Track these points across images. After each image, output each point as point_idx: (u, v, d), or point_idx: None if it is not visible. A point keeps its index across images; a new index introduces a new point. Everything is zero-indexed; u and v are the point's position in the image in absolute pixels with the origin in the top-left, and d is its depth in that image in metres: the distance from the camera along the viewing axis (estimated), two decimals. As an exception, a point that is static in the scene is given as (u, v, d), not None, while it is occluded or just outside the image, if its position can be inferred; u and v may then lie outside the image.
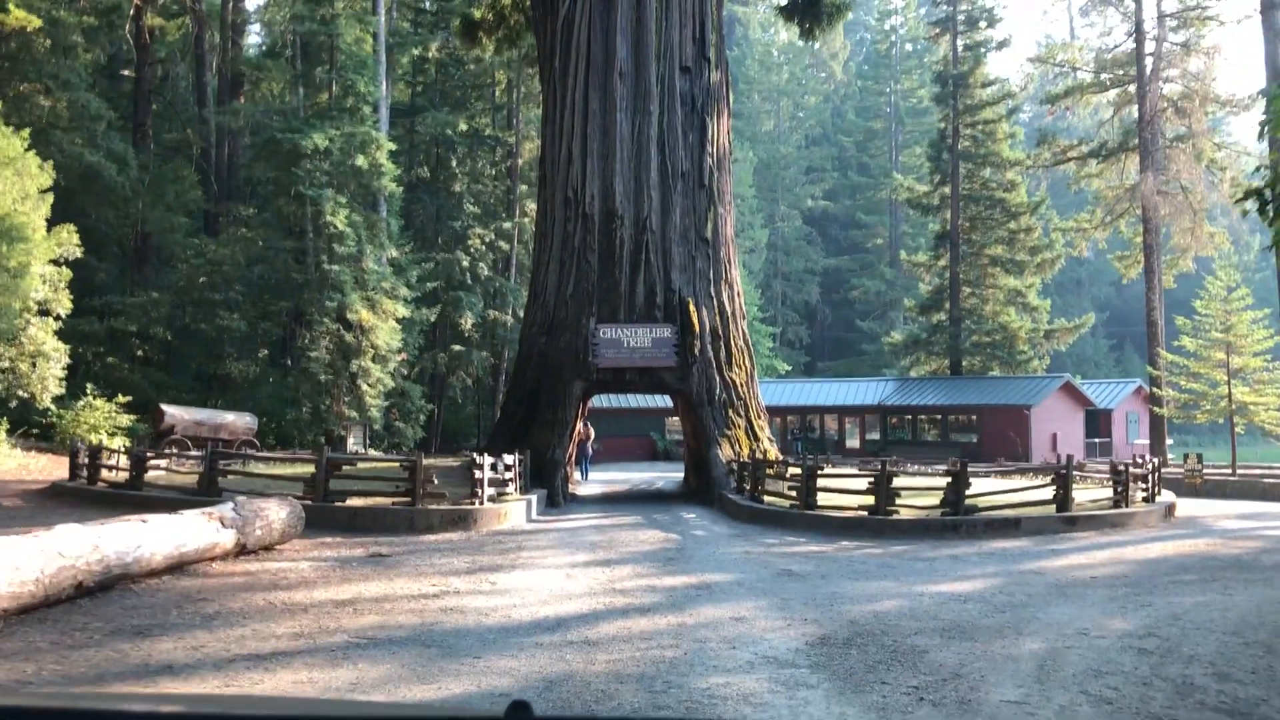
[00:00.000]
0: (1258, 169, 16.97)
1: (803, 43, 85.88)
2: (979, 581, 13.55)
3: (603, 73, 24.08)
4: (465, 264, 51.69)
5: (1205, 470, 36.40)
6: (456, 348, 51.92)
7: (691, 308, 24.12)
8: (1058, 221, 53.37)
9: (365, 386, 41.68)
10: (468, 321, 51.34)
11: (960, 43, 51.61)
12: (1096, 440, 48.96)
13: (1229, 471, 37.31)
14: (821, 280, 74.57)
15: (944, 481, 20.29)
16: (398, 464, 18.61)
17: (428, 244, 53.36)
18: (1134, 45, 46.76)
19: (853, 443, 50.04)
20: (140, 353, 42.78)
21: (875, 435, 49.81)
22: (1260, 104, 46.11)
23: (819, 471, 18.86)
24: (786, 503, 19.56)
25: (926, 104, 74.19)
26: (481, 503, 18.44)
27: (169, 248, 46.29)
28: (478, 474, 18.39)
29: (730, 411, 24.06)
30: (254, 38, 67.14)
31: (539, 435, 23.31)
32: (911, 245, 67.27)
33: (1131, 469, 21.14)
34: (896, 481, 18.30)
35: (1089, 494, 22.47)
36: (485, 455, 19.23)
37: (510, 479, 20.34)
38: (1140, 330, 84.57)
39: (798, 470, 19.38)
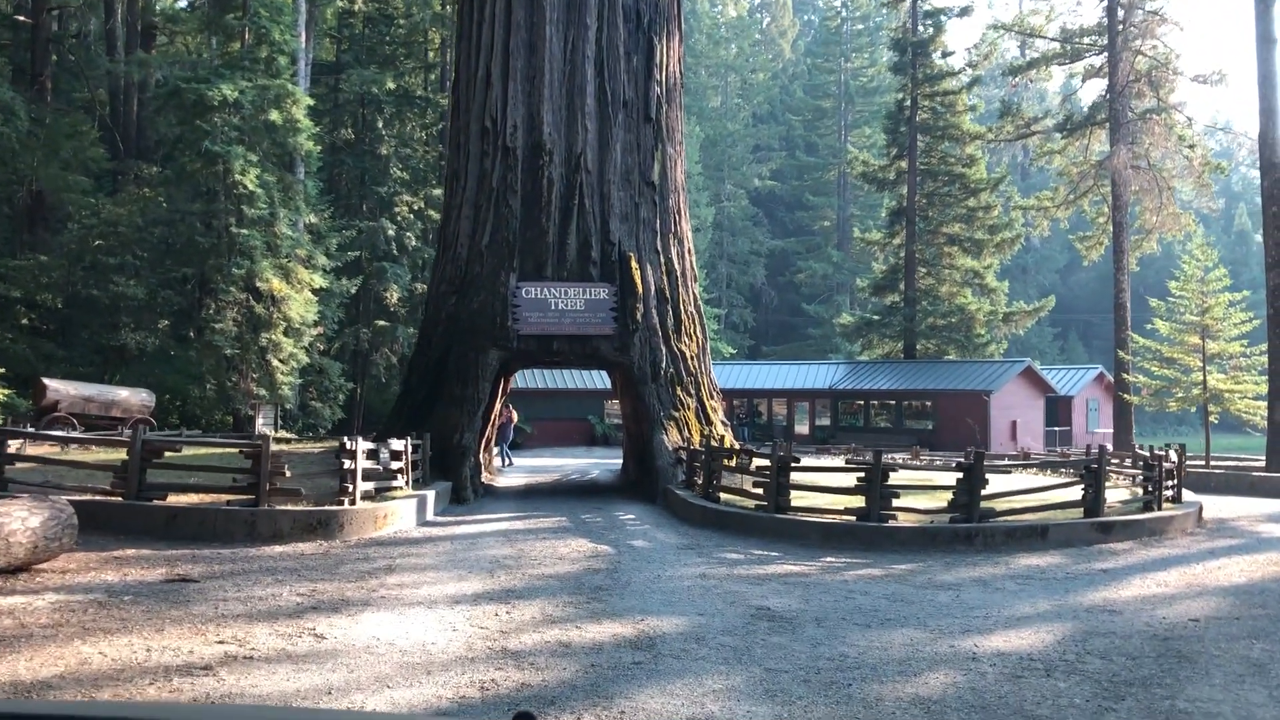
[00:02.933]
0: None
1: (750, 17, 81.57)
2: (1042, 630, 9.05)
3: (530, -24, 19.27)
4: (391, 233, 46.53)
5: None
6: (381, 323, 46.71)
7: (634, 264, 19.38)
8: (1018, 199, 49.38)
9: (276, 362, 36.67)
10: (393, 295, 46.23)
11: (920, 9, 47.33)
12: (1057, 429, 45.13)
13: (1203, 464, 33.33)
14: (767, 262, 70.21)
15: (938, 476, 15.82)
16: (238, 449, 13.63)
17: (351, 210, 48.13)
18: (1104, 13, 42.73)
19: (802, 428, 45.68)
20: (27, 321, 37.40)
21: (825, 421, 45.49)
22: (1227, 80, 42.45)
23: (793, 464, 14.22)
24: (750, 503, 14.92)
25: (877, 83, 70.15)
26: (353, 501, 13.56)
27: (65, 208, 40.79)
28: (348, 464, 13.49)
29: (678, 389, 19.38)
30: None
31: (444, 416, 18.42)
32: (861, 227, 63.20)
33: (1163, 463, 16.80)
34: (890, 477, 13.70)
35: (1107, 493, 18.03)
36: (363, 440, 14.31)
37: (399, 470, 15.45)
38: (1085, 319, 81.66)
39: (765, 462, 14.73)
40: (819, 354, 59.21)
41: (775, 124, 74.41)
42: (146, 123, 49.59)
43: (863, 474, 13.55)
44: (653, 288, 19.60)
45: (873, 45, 72.01)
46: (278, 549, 12.28)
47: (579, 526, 15.16)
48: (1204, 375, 36.23)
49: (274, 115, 37.04)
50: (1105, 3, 42.19)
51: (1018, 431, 42.44)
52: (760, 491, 14.50)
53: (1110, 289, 79.13)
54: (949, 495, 14.47)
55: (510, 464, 26.76)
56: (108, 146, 45.85)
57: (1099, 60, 44.14)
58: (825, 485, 14.81)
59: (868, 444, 37.46)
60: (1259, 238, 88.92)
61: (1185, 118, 42.79)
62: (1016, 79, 46.85)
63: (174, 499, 13.16)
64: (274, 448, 13.08)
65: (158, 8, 52.92)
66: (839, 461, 18.01)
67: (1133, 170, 41.19)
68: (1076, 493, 15.16)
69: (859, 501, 13.82)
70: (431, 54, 52.75)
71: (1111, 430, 45.59)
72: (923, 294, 47.15)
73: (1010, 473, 14.88)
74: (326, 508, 13.25)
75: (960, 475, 13.72)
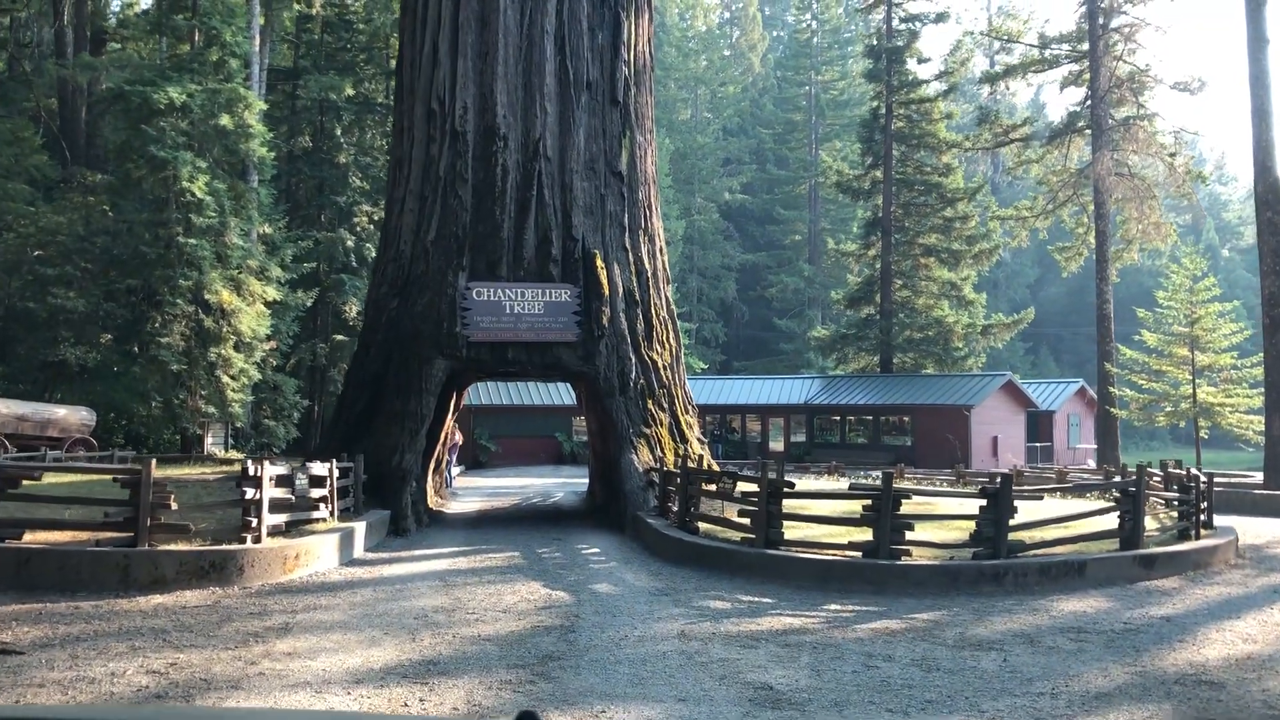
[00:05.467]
0: None
1: (720, 30, 79.65)
2: (1137, 717, 6.69)
3: (482, -59, 16.88)
4: (350, 244, 43.92)
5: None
6: (339, 337, 43.97)
7: (599, 263, 16.92)
8: (996, 209, 47.42)
9: (226, 378, 34.07)
10: (353, 308, 43.51)
11: (895, 15, 45.35)
12: (1038, 444, 43.03)
13: (1196, 481, 31.05)
14: (738, 276, 67.96)
15: (941, 502, 13.46)
16: (111, 476, 11.03)
17: (308, 221, 45.51)
18: (1083, 19, 40.94)
19: (776, 445, 43.33)
20: (-42, 336, 34.71)
21: (800, 437, 43.16)
22: (1207, 88, 40.79)
23: (787, 490, 11.79)
24: (735, 534, 12.46)
25: (847, 95, 68.33)
26: (257, 539, 11.00)
27: (4, 217, 37.98)
28: (251, 493, 10.92)
29: (650, 403, 16.90)
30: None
31: (383, 434, 15.84)
32: (834, 240, 61.17)
33: (1200, 485, 14.51)
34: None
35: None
36: (273, 464, 11.76)
37: (321, 498, 12.88)
38: (1056, 332, 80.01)
39: (752, 487, 12.28)
40: (791, 369, 56.96)
41: (745, 137, 72.31)
42: (95, 130, 46.91)
43: (870, 502, 11.14)
44: (620, 289, 17.14)
45: (843, 58, 70.18)
46: (156, 600, 9.70)
47: (533, 564, 12.64)
48: (1194, 388, 34.30)
49: (225, 120, 34.66)
50: (1085, 7, 40.40)
51: (999, 447, 40.31)
52: (747, 521, 12.05)
53: (1082, 303, 77.73)
54: (961, 524, 12.13)
55: (449, 486, 24.18)
56: (55, 155, 43.13)
57: (1078, 67, 42.37)
58: (823, 514, 12.39)
59: (845, 461, 35.19)
60: (1226, 252, 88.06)
61: (1169, 124, 41.11)
62: (993, 86, 45.01)
63: (34, 537, 10.55)
64: (159, 474, 10.49)
65: (108, 12, 50.26)
66: (836, 484, 15.59)
67: (1115, 178, 39.32)
68: (1106, 520, 12.86)
69: (864, 534, 11.43)
70: (392, 60, 50.25)
71: (1094, 446, 43.64)
72: (899, 306, 45.02)
73: (1041, 499, 12.53)
74: (223, 547, 10.68)
75: (984, 502, 11.34)
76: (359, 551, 13.16)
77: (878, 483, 11.97)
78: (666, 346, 17.93)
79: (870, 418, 41.86)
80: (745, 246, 69.03)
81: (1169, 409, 35.64)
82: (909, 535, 11.21)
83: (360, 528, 13.36)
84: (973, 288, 46.27)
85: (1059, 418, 44.18)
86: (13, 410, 25.91)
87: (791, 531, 12.15)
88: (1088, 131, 41.21)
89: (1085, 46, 40.73)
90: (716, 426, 42.42)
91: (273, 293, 35.38)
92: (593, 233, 17.15)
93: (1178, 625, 9.62)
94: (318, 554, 11.71)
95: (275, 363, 39.26)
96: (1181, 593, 11.40)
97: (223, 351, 33.38)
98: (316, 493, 12.88)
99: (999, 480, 11.34)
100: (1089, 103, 41.01)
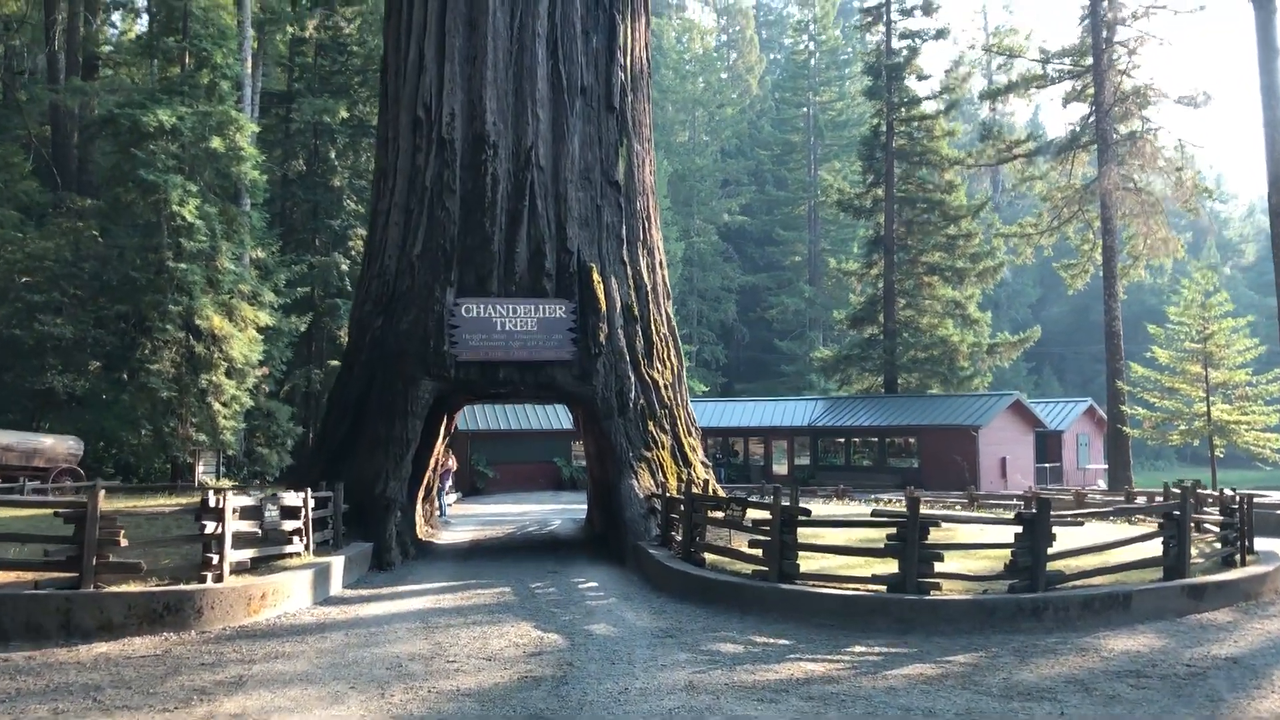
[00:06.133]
0: None
1: (717, 53, 78.98)
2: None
3: (469, -61, 15.92)
4: (345, 268, 42.90)
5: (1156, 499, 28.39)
6: (334, 363, 42.71)
7: (596, 277, 15.84)
8: (1000, 226, 46.42)
9: (218, 405, 33.07)
10: (347, 334, 42.28)
11: (895, 31, 44.53)
12: (1047, 465, 41.87)
13: (1213, 502, 29.83)
14: (738, 298, 66.91)
15: (960, 529, 12.35)
16: (53, 511, 9.91)
17: (303, 245, 44.52)
18: (1086, 32, 40.13)
19: (780, 468, 42.18)
20: (-56, 365, 33.75)
21: (804, 460, 42.03)
22: (1211, 102, 39.93)
23: (801, 518, 10.67)
24: (745, 567, 11.33)
25: (846, 116, 67.54)
26: (219, 577, 9.88)
27: (-9, 244, 37.05)
28: (212, 527, 9.81)
29: (651, 424, 15.78)
30: (125, 16, 57.38)
31: (367, 461, 14.71)
32: (835, 259, 60.18)
33: (1244, 507, 13.39)
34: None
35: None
36: (237, 494, 10.66)
37: (294, 531, 11.77)
38: (1059, 352, 79.00)
39: (764, 514, 11.16)
40: (793, 391, 55.82)
41: (744, 159, 71.43)
42: (87, 156, 46.14)
43: (895, 530, 10.03)
44: (619, 304, 16.06)
45: (841, 79, 69.44)
46: (100, 649, 8.59)
47: (525, 601, 11.50)
48: (1208, 406, 33.19)
49: (216, 143, 33.86)
50: (1088, 21, 39.60)
51: (1008, 468, 39.20)
52: (759, 553, 10.92)
53: (1085, 322, 76.70)
54: (990, 553, 11.02)
55: (443, 515, 23.02)
56: (46, 181, 42.32)
57: (1080, 82, 41.54)
58: (839, 544, 11.26)
59: (851, 484, 34.06)
60: (1228, 269, 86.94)
61: (1175, 138, 40.21)
62: (994, 102, 44.19)
63: (-32, 579, 9.44)
64: (114, 505, 9.39)
65: (100, 38, 49.49)
66: (847, 509, 14.48)
67: (1121, 193, 38.38)
68: (1147, 547, 11.73)
69: (889, 565, 10.30)
70: (388, 83, 49.44)
71: (1104, 466, 42.51)
72: (903, 325, 43.96)
73: (1082, 524, 11.39)
74: (179, 587, 9.57)
75: (1020, 529, 10.22)
76: (336, 588, 12.03)
77: (900, 508, 10.85)
78: (668, 365, 16.84)
79: (875, 439, 40.78)
80: (745, 268, 68.06)
81: (1182, 427, 34.53)
82: (938, 566, 10.08)
83: (337, 562, 12.23)
84: (977, 307, 45.22)
85: (1068, 438, 43.06)
86: None
87: (806, 563, 11.02)
88: (1092, 146, 40.31)
89: (1089, 61, 39.89)
90: (719, 450, 41.30)
91: (265, 318, 34.51)
92: (589, 245, 16.09)
93: (1247, 668, 8.49)
94: (288, 592, 10.59)
95: (268, 389, 38.23)
96: (1239, 627, 10.27)
97: (214, 378, 32.44)
98: (289, 525, 11.76)
99: (1034, 504, 10.21)
100: (1093, 118, 40.12)
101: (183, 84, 35.46)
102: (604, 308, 15.79)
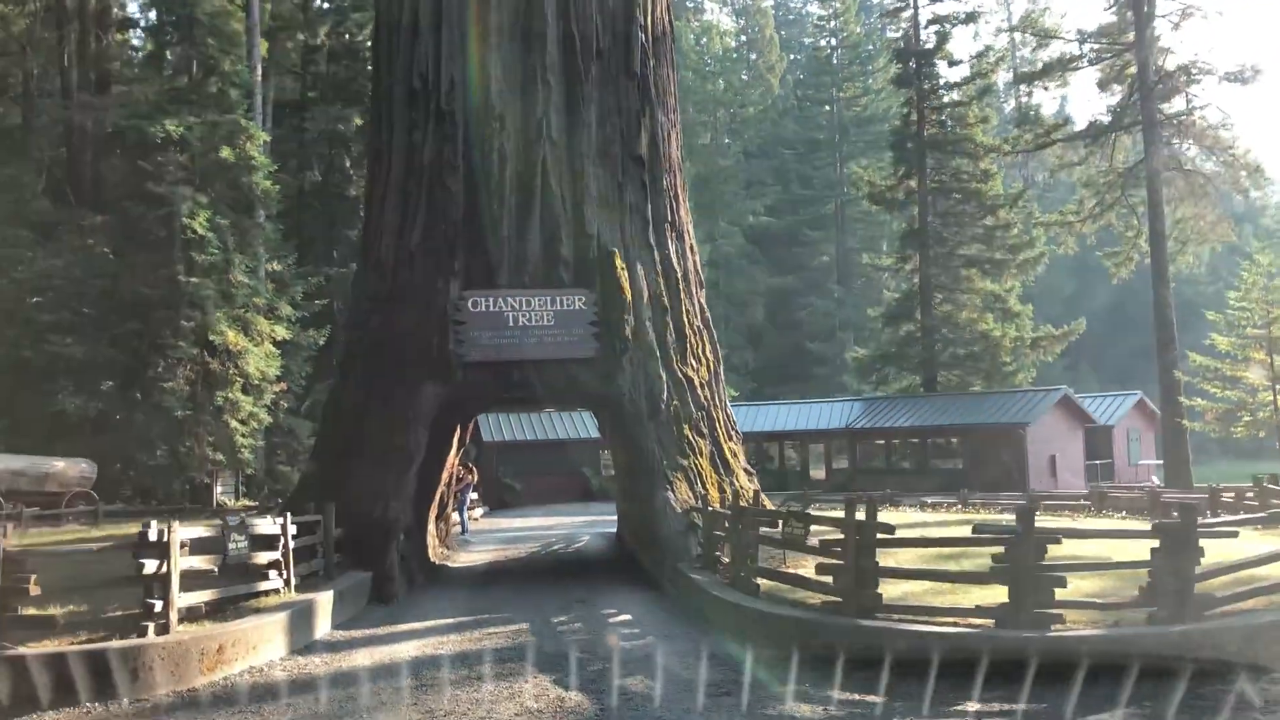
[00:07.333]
0: None
1: (737, 53, 76.97)
2: None
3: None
4: (363, 279, 40.99)
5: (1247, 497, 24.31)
6: (354, 376, 41.01)
7: (619, 263, 13.79)
8: (1039, 215, 43.97)
9: (234, 423, 31.57)
10: (368, 345, 40.47)
11: (922, 17, 42.37)
12: (1097, 462, 39.29)
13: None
14: (766, 301, 64.75)
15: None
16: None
17: (320, 257, 42.95)
18: (1126, 7, 37.68)
19: (817, 472, 39.94)
20: (-50, 388, 32.34)
21: (843, 464, 39.74)
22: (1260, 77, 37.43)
23: (883, 535, 8.50)
24: (812, 596, 9.15)
25: (871, 112, 65.34)
26: (163, 628, 7.84)
27: (3, 264, 35.70)
28: (152, 566, 7.78)
29: (686, 428, 13.66)
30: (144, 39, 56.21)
31: (365, 479, 12.65)
32: (860, 261, 57.83)
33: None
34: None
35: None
36: (186, 524, 8.62)
37: (271, 564, 9.73)
38: (1097, 346, 76.09)
39: (834, 531, 8.99)
40: (824, 394, 53.45)
41: (767, 159, 69.27)
42: (100, 174, 44.83)
43: (1003, 548, 7.84)
44: (646, 294, 13.98)
45: (865, 74, 67.24)
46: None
47: (544, 643, 9.40)
48: (1275, 395, 30.70)
49: (226, 153, 32.42)
50: (1128, -3, 37.17)
51: (1057, 467, 36.70)
52: (829, 579, 8.75)
53: (1122, 316, 73.77)
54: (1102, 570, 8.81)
55: (464, 533, 20.99)
56: (60, 201, 40.99)
57: (1119, 61, 39.09)
58: (922, 567, 9.08)
59: (893, 487, 31.78)
60: (1264, 260, 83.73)
61: (1219, 117, 37.76)
62: (1029, 86, 41.86)
63: None
64: (12, 545, 7.38)
65: (110, 54, 48.19)
66: (903, 516, 12.31)
67: (1169, 174, 35.93)
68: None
69: (993, 592, 8.12)
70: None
71: (1158, 462, 39.90)
72: (941, 321, 41.61)
73: (1236, 534, 9.08)
74: (110, 645, 7.54)
75: (1159, 541, 8.01)
76: (323, 630, 9.99)
77: (1004, 519, 8.66)
78: (703, 361, 14.73)
79: (916, 440, 38.42)
80: (772, 270, 65.85)
81: (1247, 418, 31.99)
82: (1057, 593, 7.89)
83: (324, 599, 10.19)
84: (1018, 299, 42.82)
85: (1118, 433, 40.48)
86: (8, 465, 23.99)
87: (891, 592, 8.83)
88: (1135, 128, 37.89)
89: (1130, 37, 37.45)
90: (753, 456, 39.06)
91: (282, 332, 32.98)
92: (610, 228, 14.03)
93: None
94: (255, 642, 8.55)
95: (287, 405, 36.51)
96: None
97: (230, 395, 30.96)
98: (264, 557, 9.74)
99: (1177, 511, 8.01)
100: (1135, 98, 37.68)
101: (190, 93, 34.03)
102: (629, 298, 13.73)
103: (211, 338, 30.46)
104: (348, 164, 44.28)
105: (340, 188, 43.82)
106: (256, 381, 31.50)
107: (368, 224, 15.11)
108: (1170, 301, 36.23)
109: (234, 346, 30.85)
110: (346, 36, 45.58)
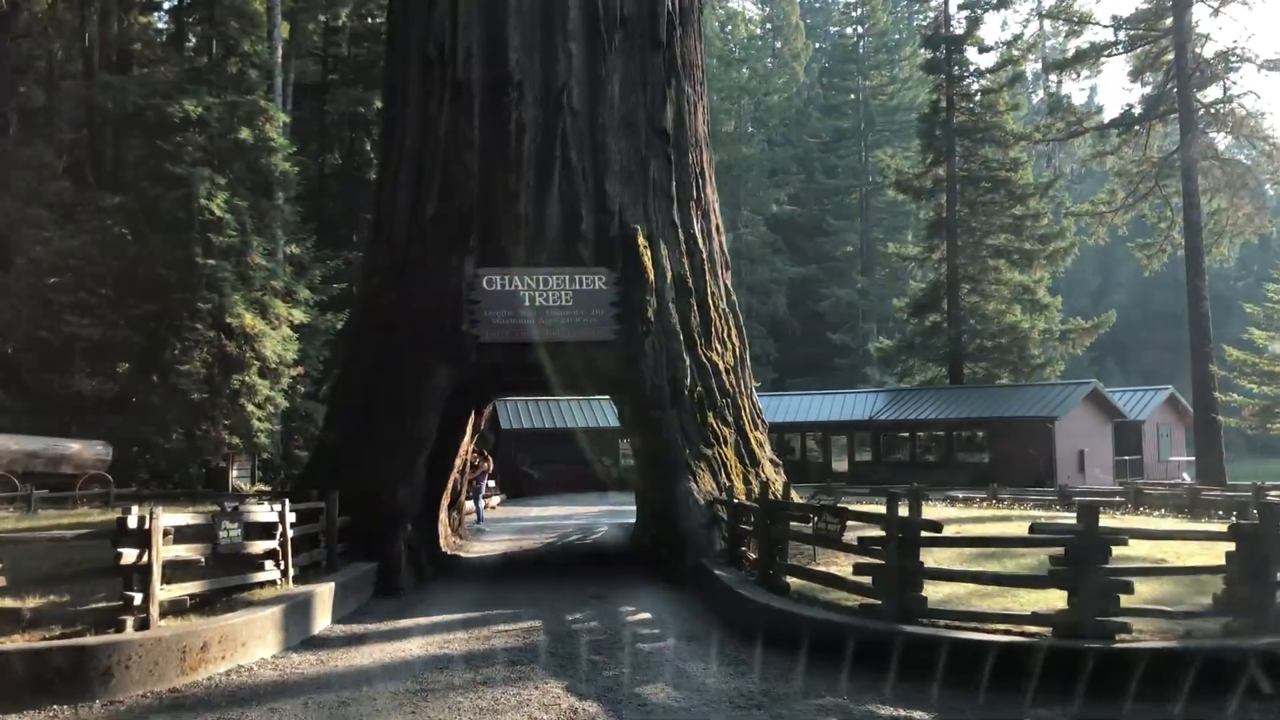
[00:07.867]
0: None
1: (762, 40, 75.88)
2: None
3: None
4: (383, 263, 40.42)
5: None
6: (373, 361, 40.47)
7: (642, 242, 13.05)
8: (1070, 205, 42.83)
9: (251, 407, 31.12)
10: (387, 330, 39.92)
11: (954, 1, 41.28)
12: (1126, 458, 38.25)
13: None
14: (788, 291, 63.79)
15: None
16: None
17: (339, 240, 42.47)
18: (1163, -7, 36.45)
19: (840, 465, 39.06)
20: (-33, 368, 32.14)
21: (866, 456, 38.84)
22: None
23: (925, 534, 7.73)
24: (848, 597, 8.38)
25: (897, 101, 64.21)
26: (142, 624, 7.16)
27: (22, 244, 35.33)
28: (131, 556, 7.09)
29: (711, 416, 12.90)
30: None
31: (372, 466, 11.97)
32: (884, 251, 56.68)
33: None
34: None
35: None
36: (171, 511, 7.93)
37: (267, 554, 9.05)
38: (1122, 341, 74.69)
39: (869, 527, 8.21)
40: (846, 385, 52.52)
41: (791, 147, 68.25)
42: (121, 154, 44.48)
43: (1065, 549, 7.05)
44: (669, 274, 13.22)
45: (891, 63, 66.12)
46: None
47: (557, 644, 8.67)
48: (1315, 390, 29.65)
49: (245, 134, 31.95)
50: (1169, -22, 35.95)
51: (1085, 462, 35.68)
52: (867, 580, 7.97)
53: (1148, 310, 72.40)
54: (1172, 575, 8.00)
55: (480, 522, 20.30)
56: (78, 180, 40.63)
57: (1155, 48, 37.89)
58: (964, 568, 8.29)
59: (918, 480, 30.89)
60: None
61: (1258, 105, 36.50)
62: (1061, 74, 40.64)
63: None
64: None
65: (132, 34, 47.81)
66: (934, 511, 11.52)
67: (1206, 163, 34.77)
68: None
69: (1051, 597, 7.33)
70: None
71: (1189, 459, 38.80)
72: (968, 312, 40.62)
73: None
74: (81, 641, 6.87)
75: (1236, 545, 7.19)
76: (322, 625, 9.30)
77: (1064, 519, 7.86)
78: (728, 345, 13.96)
79: (942, 433, 37.47)
80: (794, 260, 64.87)
81: (1285, 414, 30.94)
82: (1123, 600, 7.09)
83: (324, 591, 9.50)
84: (1047, 290, 41.75)
85: (1148, 428, 39.41)
86: (23, 446, 23.68)
87: (935, 595, 8.05)
88: (1170, 116, 36.73)
89: (1167, 23, 36.26)
90: (773, 446, 38.23)
91: (300, 315, 32.51)
92: (633, 205, 13.26)
93: None
94: (245, 638, 7.86)
95: (305, 389, 36.04)
96: None
97: (246, 378, 30.52)
98: (260, 546, 9.05)
99: (1256, 511, 7.20)
100: (1171, 86, 36.50)
101: (210, 73, 33.66)
102: (652, 278, 12.97)
103: (229, 320, 30.06)
104: (368, 147, 43.71)
105: (361, 171, 43.26)
106: (273, 365, 31.06)
107: (379, 198, 14.41)
108: (1205, 294, 35.07)
109: (251, 329, 30.41)
110: (369, 19, 44.93)
